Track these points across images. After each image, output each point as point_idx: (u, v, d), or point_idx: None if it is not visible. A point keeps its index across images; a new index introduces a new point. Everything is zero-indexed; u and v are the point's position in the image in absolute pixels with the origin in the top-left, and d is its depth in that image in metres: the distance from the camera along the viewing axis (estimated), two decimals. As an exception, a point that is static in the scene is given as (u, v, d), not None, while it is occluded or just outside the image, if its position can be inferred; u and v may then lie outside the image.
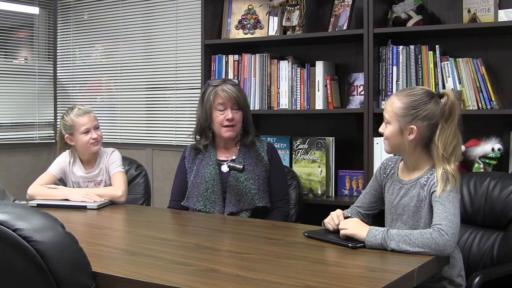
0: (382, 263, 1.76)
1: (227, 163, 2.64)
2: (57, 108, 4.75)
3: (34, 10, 4.57)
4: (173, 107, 4.19)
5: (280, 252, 1.89)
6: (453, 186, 1.91)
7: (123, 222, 2.59)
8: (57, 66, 4.74)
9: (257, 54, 3.37)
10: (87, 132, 2.85)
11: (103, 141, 2.95)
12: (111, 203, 2.75)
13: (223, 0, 3.57)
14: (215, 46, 3.49)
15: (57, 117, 4.71)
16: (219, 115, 2.62)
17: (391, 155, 2.19)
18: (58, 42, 4.73)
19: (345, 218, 2.04)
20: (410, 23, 2.97)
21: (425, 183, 1.98)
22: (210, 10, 3.49)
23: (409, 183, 2.03)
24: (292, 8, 3.29)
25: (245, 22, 3.48)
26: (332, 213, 2.07)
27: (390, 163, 2.17)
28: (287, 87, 3.29)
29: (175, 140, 4.16)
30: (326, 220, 2.08)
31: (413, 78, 2.93)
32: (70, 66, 4.70)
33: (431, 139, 2.00)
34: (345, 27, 3.13)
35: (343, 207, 2.23)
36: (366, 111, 3.00)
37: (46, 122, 4.72)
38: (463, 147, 2.44)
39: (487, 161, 2.78)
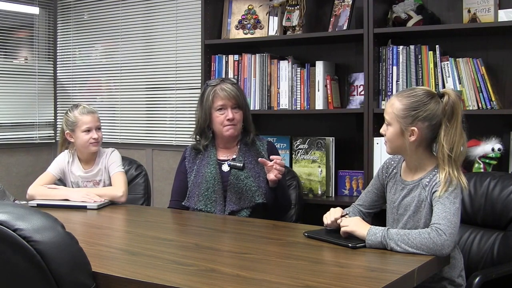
0: (382, 263, 1.76)
1: (227, 162, 2.64)
2: (57, 108, 4.75)
3: (34, 10, 4.57)
4: (173, 107, 4.19)
5: (280, 252, 1.89)
6: (456, 187, 1.91)
7: (123, 222, 2.59)
8: (57, 66, 4.74)
9: (257, 54, 3.37)
10: (88, 131, 2.85)
11: (103, 141, 2.96)
12: (111, 203, 2.75)
13: (223, 0, 3.57)
14: (215, 46, 3.50)
15: (57, 117, 4.72)
16: (219, 115, 2.62)
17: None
18: (58, 42, 4.73)
19: (343, 215, 2.04)
20: (410, 23, 2.98)
21: (427, 183, 1.97)
22: (210, 10, 3.49)
23: (412, 183, 2.03)
24: (292, 8, 3.29)
25: (245, 22, 3.48)
26: (331, 209, 2.07)
27: (392, 162, 2.17)
28: (287, 87, 3.29)
29: (175, 140, 4.16)
30: (324, 215, 2.08)
31: (413, 78, 2.93)
32: (70, 66, 4.70)
33: (434, 140, 1.99)
34: (345, 27, 3.13)
35: (343, 207, 2.23)
36: (366, 111, 3.00)
37: (46, 122, 4.72)
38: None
39: (487, 161, 2.78)
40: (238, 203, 2.57)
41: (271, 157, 2.48)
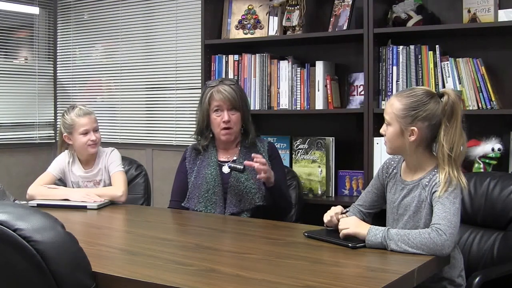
0: (382, 263, 1.76)
1: (228, 164, 2.63)
2: (57, 108, 4.75)
3: (34, 10, 4.57)
4: (173, 107, 4.19)
5: (280, 252, 1.89)
6: (456, 187, 1.91)
7: (123, 222, 2.59)
8: (57, 66, 4.74)
9: (257, 54, 3.37)
10: (85, 133, 2.85)
11: (102, 141, 2.96)
12: (111, 203, 2.75)
13: (223, 0, 3.57)
14: (215, 46, 3.49)
15: (57, 117, 4.72)
16: (216, 117, 2.61)
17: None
18: (58, 42, 4.73)
19: (343, 213, 2.04)
20: (410, 23, 2.97)
21: (427, 183, 1.97)
22: (210, 10, 3.49)
23: (412, 183, 2.03)
24: (292, 8, 3.29)
25: (245, 22, 3.48)
26: (332, 207, 2.07)
27: (392, 162, 2.17)
28: (287, 87, 3.29)
29: (175, 140, 4.16)
30: (325, 214, 2.08)
31: (413, 78, 2.93)
32: (70, 66, 4.70)
33: (434, 139, 1.99)
34: (345, 27, 3.13)
35: (343, 207, 2.23)
36: (366, 111, 3.00)
37: (46, 122, 4.72)
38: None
39: (487, 161, 2.78)
40: (238, 206, 2.56)
41: (253, 155, 2.47)
